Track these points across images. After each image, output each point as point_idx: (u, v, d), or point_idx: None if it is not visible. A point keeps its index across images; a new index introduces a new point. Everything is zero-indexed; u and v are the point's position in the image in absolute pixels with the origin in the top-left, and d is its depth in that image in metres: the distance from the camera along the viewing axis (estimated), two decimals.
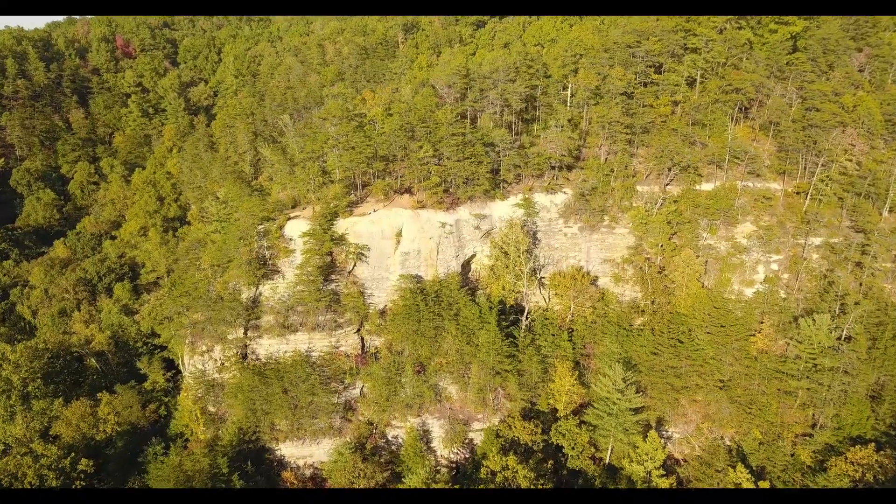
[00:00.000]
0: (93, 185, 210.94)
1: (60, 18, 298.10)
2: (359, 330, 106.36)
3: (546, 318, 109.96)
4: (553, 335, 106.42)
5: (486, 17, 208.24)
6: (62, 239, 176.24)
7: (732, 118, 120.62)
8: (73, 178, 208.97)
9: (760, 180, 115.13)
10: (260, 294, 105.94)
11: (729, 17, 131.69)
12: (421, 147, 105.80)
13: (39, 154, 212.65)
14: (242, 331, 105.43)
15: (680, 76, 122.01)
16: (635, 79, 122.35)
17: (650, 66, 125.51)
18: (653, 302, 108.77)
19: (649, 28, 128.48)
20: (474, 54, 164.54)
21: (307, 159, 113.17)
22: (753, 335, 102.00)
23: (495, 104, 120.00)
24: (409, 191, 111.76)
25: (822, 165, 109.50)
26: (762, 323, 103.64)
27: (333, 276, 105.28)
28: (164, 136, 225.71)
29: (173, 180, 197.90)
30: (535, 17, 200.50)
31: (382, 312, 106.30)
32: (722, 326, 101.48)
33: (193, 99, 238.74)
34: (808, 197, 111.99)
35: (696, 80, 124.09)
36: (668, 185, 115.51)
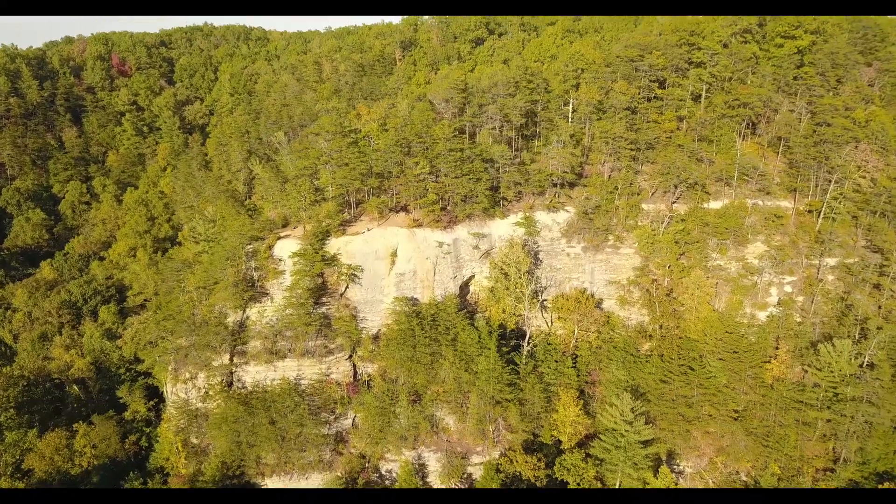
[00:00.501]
0: (84, 204, 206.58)
1: (58, 38, 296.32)
2: (351, 356, 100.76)
3: (549, 344, 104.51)
4: (556, 362, 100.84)
5: (484, 35, 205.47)
6: (49, 260, 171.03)
7: (740, 134, 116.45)
8: (64, 197, 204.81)
9: (770, 198, 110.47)
10: (247, 318, 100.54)
11: (734, 30, 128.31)
12: (417, 163, 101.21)
13: (31, 173, 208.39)
14: (228, 357, 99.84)
15: (685, 91, 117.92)
16: (639, 93, 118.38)
17: (654, 81, 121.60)
18: (661, 326, 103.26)
19: (652, 42, 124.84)
20: (472, 70, 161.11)
21: (299, 176, 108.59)
22: (768, 362, 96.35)
23: (494, 119, 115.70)
24: (404, 209, 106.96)
25: (836, 182, 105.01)
26: (777, 349, 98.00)
27: (324, 299, 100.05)
28: (159, 154, 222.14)
29: (166, 200, 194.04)
30: (534, 34, 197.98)
31: (376, 337, 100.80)
32: (735, 352, 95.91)
33: (189, 117, 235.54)
34: (821, 215, 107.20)
35: (701, 95, 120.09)
36: (674, 202, 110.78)
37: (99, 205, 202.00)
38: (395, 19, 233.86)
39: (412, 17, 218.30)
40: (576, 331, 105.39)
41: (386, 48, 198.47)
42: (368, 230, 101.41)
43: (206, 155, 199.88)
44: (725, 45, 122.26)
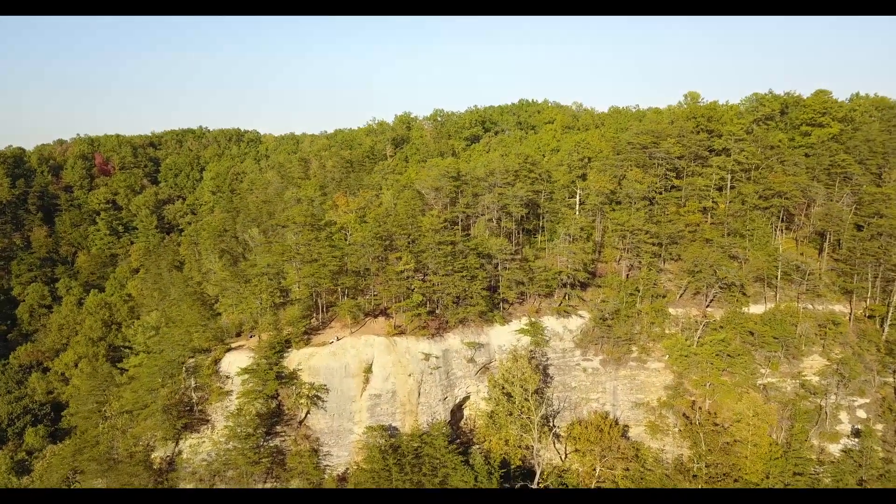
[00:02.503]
0: (45, 308, 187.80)
1: (49, 140, 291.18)
2: None
3: (563, 484, 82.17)
4: None
5: (479, 132, 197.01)
6: None
7: (776, 227, 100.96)
8: (24, 300, 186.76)
9: (822, 301, 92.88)
10: (179, 453, 78.80)
11: (755, 116, 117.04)
12: (400, 258, 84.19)
13: None
14: None
15: (708, 180, 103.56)
16: (656, 182, 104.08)
17: (671, 170, 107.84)
18: (707, 464, 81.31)
19: (665, 129, 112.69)
20: (467, 163, 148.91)
21: (260, 274, 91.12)
22: None
23: (491, 210, 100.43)
24: (384, 313, 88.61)
25: None
26: None
27: (278, 428, 78.99)
28: (132, 255, 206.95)
29: (132, 303, 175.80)
30: (531, 132, 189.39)
31: (342, 479, 78.50)
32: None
33: (168, 216, 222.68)
34: (887, 322, 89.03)
35: (725, 184, 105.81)
36: (708, 306, 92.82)
37: (60, 308, 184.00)
38: (388, 117, 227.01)
39: (405, 114, 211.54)
40: (597, 467, 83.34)
41: (377, 144, 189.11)
42: (338, 339, 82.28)
43: (179, 254, 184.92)
44: (749, 132, 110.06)
